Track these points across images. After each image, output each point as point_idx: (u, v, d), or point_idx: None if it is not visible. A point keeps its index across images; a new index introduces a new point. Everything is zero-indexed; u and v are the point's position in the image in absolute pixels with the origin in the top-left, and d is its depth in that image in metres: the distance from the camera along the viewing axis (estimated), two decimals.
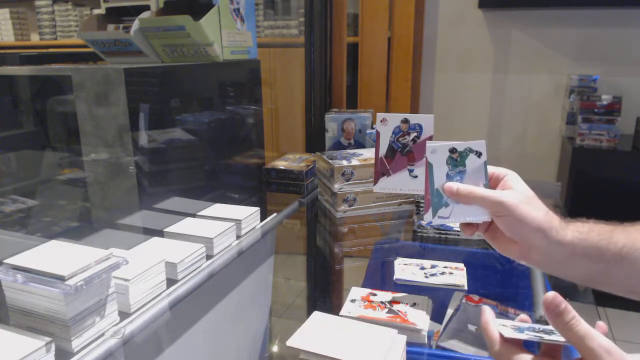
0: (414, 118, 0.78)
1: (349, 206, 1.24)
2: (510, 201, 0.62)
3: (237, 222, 1.04)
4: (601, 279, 0.61)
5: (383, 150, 0.79)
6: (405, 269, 0.99)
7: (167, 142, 1.07)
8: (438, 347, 0.88)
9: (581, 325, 0.45)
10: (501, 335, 0.52)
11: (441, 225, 1.18)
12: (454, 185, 0.67)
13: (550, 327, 0.51)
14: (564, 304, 0.46)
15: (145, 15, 1.19)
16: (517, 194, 0.63)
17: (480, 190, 0.65)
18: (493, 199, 0.63)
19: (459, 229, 1.15)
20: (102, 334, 0.69)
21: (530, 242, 0.62)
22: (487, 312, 0.55)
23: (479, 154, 0.68)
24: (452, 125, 2.71)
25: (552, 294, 0.46)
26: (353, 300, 0.82)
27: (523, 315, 0.58)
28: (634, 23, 2.31)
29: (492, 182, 0.68)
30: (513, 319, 0.60)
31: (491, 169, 0.68)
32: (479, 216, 0.66)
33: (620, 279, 0.60)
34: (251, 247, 1.05)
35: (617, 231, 0.61)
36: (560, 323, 0.46)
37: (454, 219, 0.68)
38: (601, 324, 0.49)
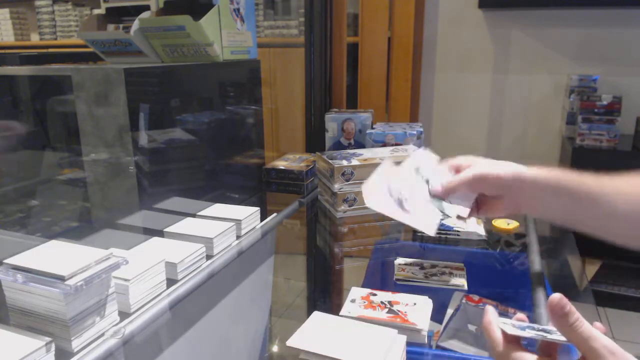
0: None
1: (349, 206, 1.24)
2: (483, 170, 0.72)
3: (237, 222, 1.04)
4: (577, 219, 0.70)
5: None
6: (405, 269, 0.99)
7: (167, 142, 1.07)
8: (438, 347, 0.88)
9: (585, 326, 0.46)
10: (504, 336, 0.52)
11: (441, 225, 1.18)
12: (437, 185, 0.77)
13: (549, 326, 0.51)
14: (569, 305, 0.46)
15: (145, 15, 1.19)
16: (483, 162, 0.75)
17: (457, 176, 0.75)
18: (469, 177, 0.73)
19: (458, 229, 1.15)
20: (102, 334, 0.69)
21: (513, 192, 0.71)
22: (491, 312, 0.55)
23: (425, 160, 0.82)
24: (452, 125, 2.71)
25: (557, 296, 0.47)
26: (353, 300, 0.82)
27: (520, 315, 0.58)
28: (634, 23, 2.31)
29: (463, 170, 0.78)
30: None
31: (456, 160, 0.79)
32: (469, 199, 0.77)
33: (593, 219, 0.67)
34: (251, 247, 1.05)
35: (586, 176, 0.68)
36: (564, 324, 0.46)
37: (451, 211, 0.78)
38: (599, 324, 0.49)
